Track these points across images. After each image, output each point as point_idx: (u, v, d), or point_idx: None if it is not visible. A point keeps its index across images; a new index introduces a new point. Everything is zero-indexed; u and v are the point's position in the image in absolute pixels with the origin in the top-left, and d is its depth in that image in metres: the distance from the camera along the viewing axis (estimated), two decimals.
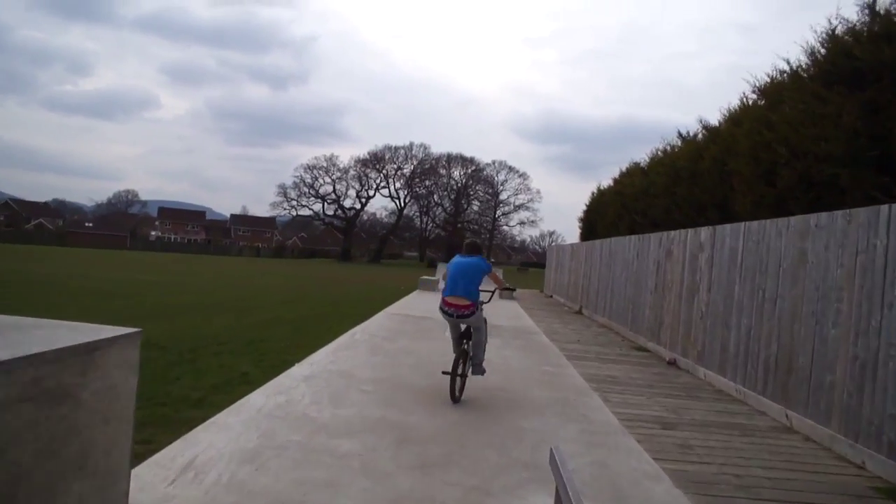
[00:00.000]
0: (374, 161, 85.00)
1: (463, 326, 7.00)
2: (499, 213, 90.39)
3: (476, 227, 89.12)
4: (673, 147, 17.06)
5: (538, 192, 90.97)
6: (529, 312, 18.12)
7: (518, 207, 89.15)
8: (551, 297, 26.35)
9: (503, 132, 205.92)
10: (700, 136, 14.53)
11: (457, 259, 6.97)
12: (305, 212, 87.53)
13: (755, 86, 11.03)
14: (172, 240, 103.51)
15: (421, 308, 16.69)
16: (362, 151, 78.64)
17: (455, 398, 6.54)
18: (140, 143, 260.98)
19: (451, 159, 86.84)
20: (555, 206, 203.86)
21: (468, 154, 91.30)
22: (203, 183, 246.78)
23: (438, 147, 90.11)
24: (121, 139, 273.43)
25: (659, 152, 18.30)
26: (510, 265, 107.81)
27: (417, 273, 40.56)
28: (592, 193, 27.73)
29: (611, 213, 21.94)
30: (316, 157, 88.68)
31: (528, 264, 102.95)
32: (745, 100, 11.43)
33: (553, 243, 47.27)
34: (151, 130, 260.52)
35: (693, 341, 9.83)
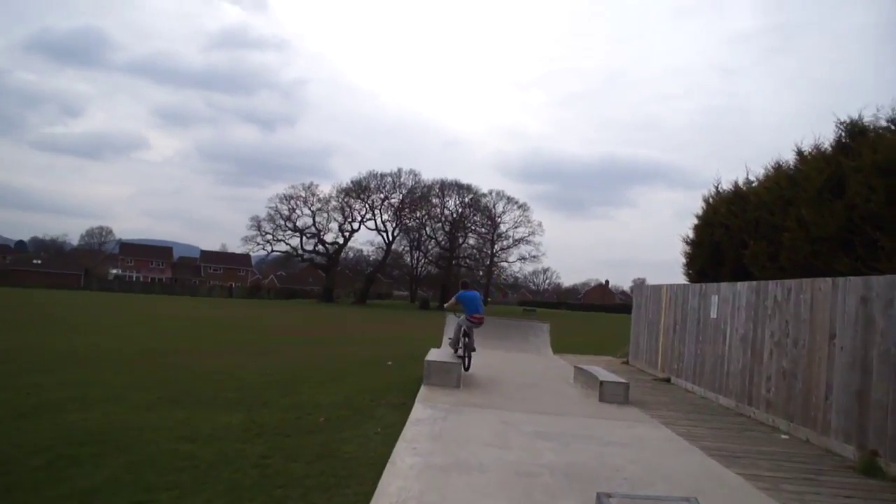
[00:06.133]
0: (358, 190, 69.15)
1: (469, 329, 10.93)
2: (497, 247, 74.97)
3: (472, 262, 73.62)
4: None
5: (540, 224, 74.02)
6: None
7: (518, 241, 73.69)
8: (669, 379, 13.32)
9: (488, 171, 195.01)
10: None
11: (468, 293, 11.37)
12: (282, 247, 71.17)
13: None
14: (134, 278, 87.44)
15: None
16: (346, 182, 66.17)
17: (467, 369, 10.54)
18: (129, 182, 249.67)
19: (445, 187, 71.04)
20: (545, 244, 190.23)
21: (464, 181, 74.84)
22: (192, 223, 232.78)
23: (428, 176, 73.33)
24: (110, 179, 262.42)
25: None
26: (506, 304, 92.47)
27: (411, 320, 27.21)
28: (708, 200, 14.92)
29: (828, 221, 9.33)
30: (293, 186, 71.84)
31: (528, 304, 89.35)
32: None
33: (646, 283, 29.28)
34: (141, 171, 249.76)
35: None
